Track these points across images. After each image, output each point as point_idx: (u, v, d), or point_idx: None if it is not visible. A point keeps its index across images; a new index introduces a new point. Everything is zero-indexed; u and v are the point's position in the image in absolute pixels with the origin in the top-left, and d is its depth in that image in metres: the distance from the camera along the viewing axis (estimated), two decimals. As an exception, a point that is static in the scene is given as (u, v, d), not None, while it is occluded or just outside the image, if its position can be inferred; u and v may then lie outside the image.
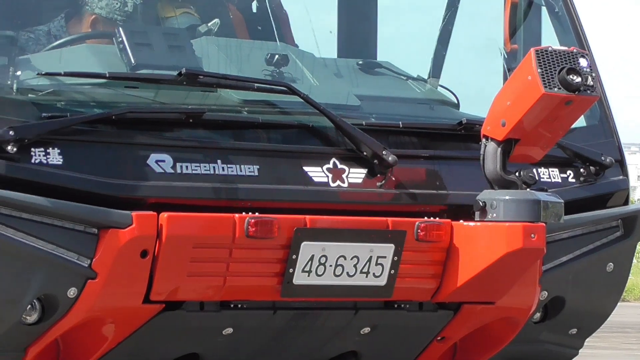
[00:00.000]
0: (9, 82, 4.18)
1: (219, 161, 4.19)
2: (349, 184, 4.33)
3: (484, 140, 4.30)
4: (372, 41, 5.39)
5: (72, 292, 3.99)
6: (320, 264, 4.20)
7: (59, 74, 4.17)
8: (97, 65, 4.32)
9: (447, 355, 4.94)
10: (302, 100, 4.33)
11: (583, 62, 4.23)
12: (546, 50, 4.24)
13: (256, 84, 4.39)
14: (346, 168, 4.37)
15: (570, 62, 4.21)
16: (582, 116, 4.64)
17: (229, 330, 4.23)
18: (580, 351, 5.30)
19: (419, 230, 4.30)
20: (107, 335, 4.19)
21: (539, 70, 4.15)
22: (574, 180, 4.89)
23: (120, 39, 4.34)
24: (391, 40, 5.23)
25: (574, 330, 5.05)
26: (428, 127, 4.76)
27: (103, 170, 4.05)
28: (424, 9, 5.10)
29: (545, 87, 4.06)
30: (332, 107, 4.42)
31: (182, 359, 4.40)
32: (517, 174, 4.31)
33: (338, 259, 4.26)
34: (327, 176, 4.33)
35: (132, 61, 4.28)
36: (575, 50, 4.36)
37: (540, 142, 4.39)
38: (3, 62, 4.24)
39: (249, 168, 4.24)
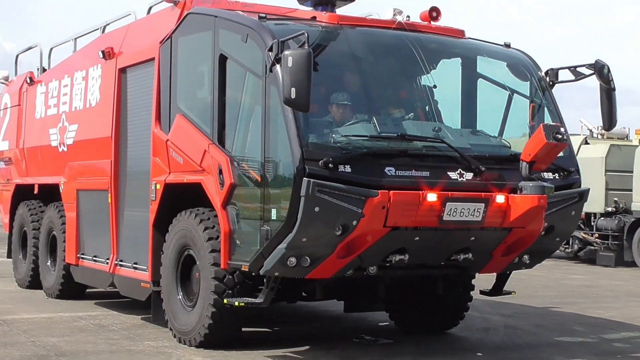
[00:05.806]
0: (331, 137, 6.93)
1: (414, 170, 7.05)
2: (466, 179, 7.22)
3: (521, 161, 7.30)
4: (474, 119, 8.32)
5: (354, 222, 6.71)
6: (454, 211, 7.10)
7: (352, 135, 6.98)
8: (364, 130, 7.14)
9: (504, 249, 7.71)
10: (447, 146, 7.27)
11: (562, 129, 7.25)
12: (546, 124, 7.33)
13: (430, 140, 7.39)
14: (464, 172, 7.21)
15: (556, 129, 7.18)
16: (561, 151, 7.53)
17: (417, 237, 7.15)
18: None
19: (495, 198, 7.19)
20: (368, 240, 6.92)
21: (544, 132, 7.15)
22: (558, 177, 7.74)
23: (377, 121, 7.25)
24: (479, 119, 8.27)
25: (557, 239, 8.00)
26: (498, 155, 7.64)
27: (368, 173, 6.79)
28: (500, 103, 8.16)
29: (547, 139, 7.14)
30: (459, 148, 7.32)
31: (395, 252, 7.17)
32: (534, 175, 7.30)
33: (461, 210, 7.12)
34: (457, 175, 7.22)
35: (379, 129, 7.18)
36: (558, 124, 7.47)
37: (544, 162, 7.34)
38: (327, 129, 6.96)
39: (425, 172, 7.09)
